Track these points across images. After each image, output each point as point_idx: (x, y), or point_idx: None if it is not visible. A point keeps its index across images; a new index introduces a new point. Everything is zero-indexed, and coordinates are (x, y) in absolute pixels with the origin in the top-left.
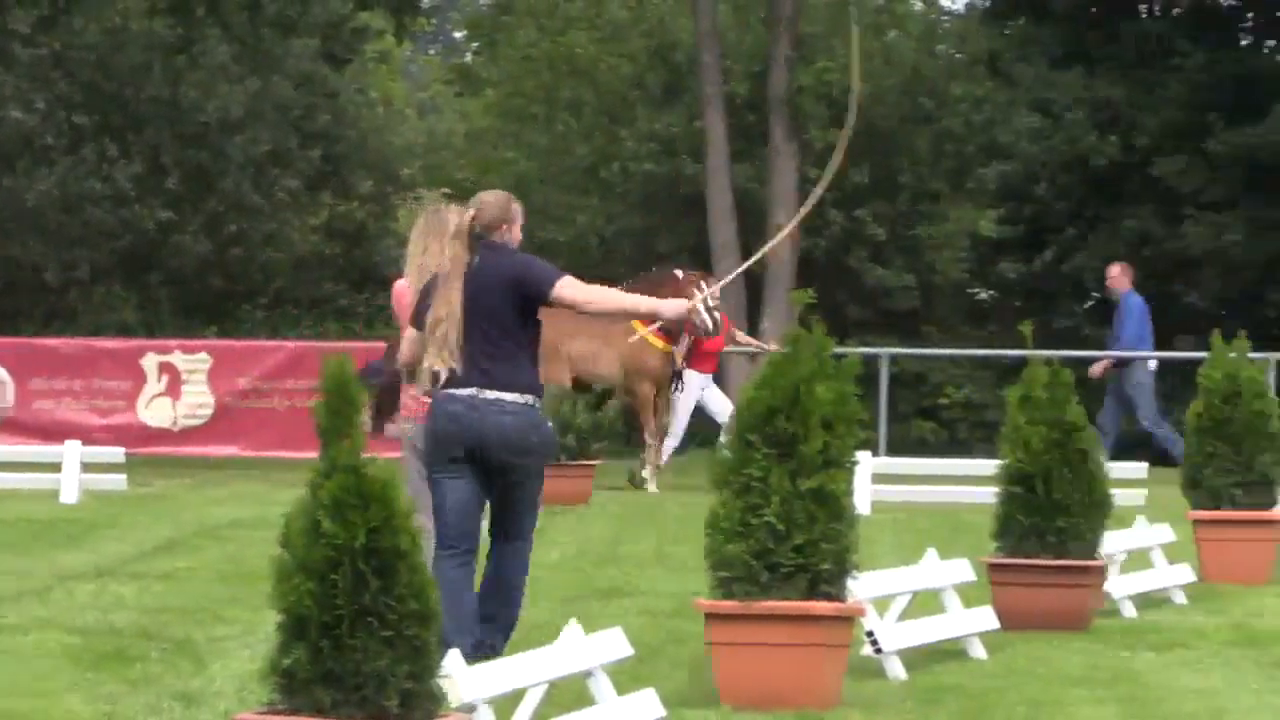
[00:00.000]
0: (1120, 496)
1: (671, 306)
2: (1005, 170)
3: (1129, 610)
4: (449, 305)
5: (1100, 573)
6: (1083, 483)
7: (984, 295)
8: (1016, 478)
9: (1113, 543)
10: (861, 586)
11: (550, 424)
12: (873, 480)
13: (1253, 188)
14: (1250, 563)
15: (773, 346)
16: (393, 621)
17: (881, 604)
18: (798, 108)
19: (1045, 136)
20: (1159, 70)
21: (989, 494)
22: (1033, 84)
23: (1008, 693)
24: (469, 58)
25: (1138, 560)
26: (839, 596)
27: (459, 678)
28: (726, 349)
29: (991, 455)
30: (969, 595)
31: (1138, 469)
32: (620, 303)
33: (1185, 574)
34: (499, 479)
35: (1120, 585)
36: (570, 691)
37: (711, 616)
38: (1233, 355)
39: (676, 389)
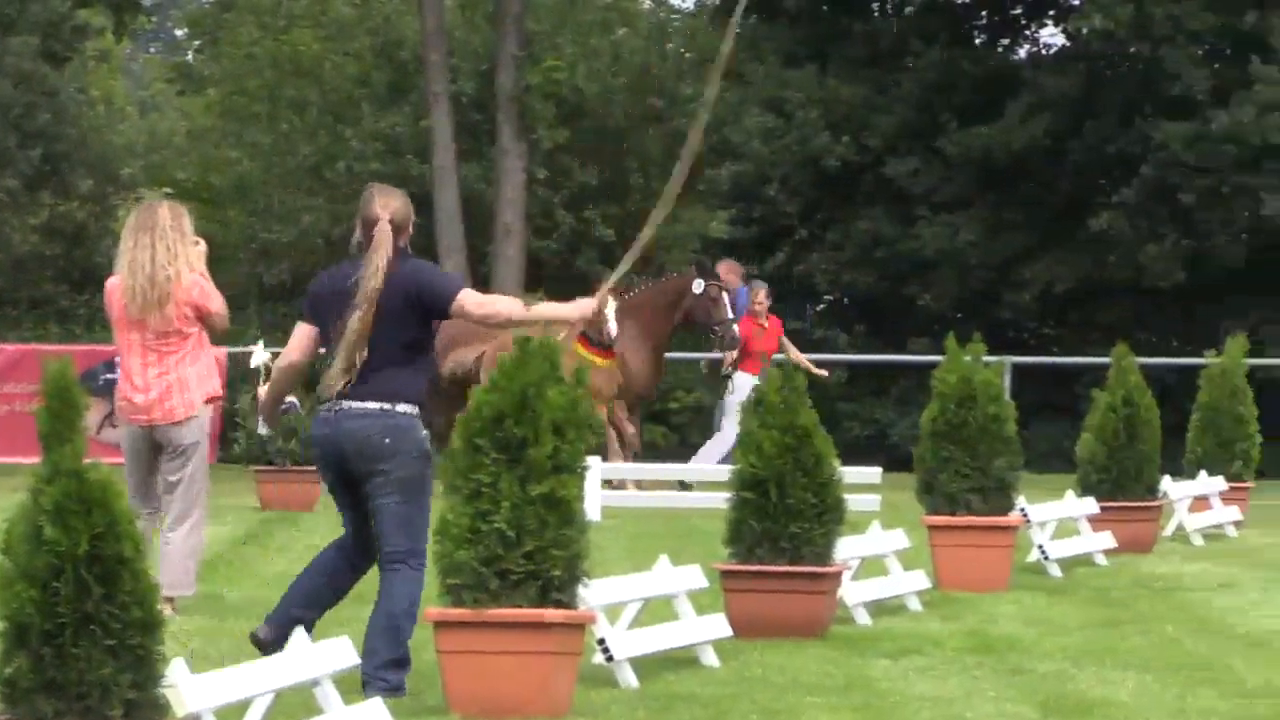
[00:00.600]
0: (855, 502)
1: (577, 309)
2: (737, 171)
3: (863, 617)
4: (365, 321)
5: (834, 579)
6: (816, 488)
7: None
8: (749, 483)
9: (847, 549)
10: (592, 593)
11: (424, 433)
12: (602, 485)
13: (987, 188)
14: (986, 569)
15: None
16: (116, 630)
17: (613, 611)
18: (525, 107)
19: (777, 136)
20: (892, 69)
21: (722, 499)
22: (764, 83)
23: (740, 700)
24: (190, 56)
25: (873, 566)
26: (570, 604)
27: (184, 687)
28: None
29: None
30: (702, 602)
31: (872, 473)
32: (522, 313)
33: (920, 580)
34: (364, 492)
35: (855, 592)
36: (297, 701)
37: (440, 625)
38: (968, 358)
39: (728, 391)
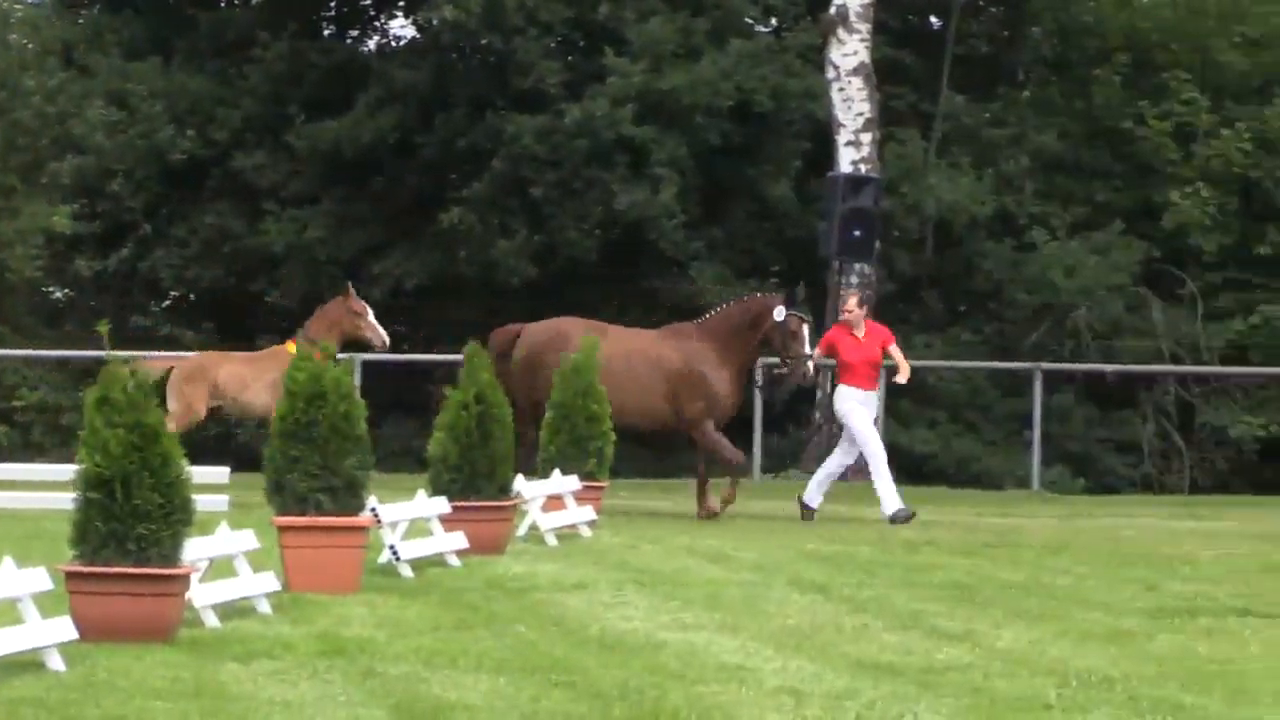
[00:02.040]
0: (203, 502)
1: None
2: (79, 164)
3: (212, 620)
4: None
5: (182, 581)
6: (164, 488)
7: (60, 294)
8: (94, 483)
9: (195, 550)
10: None
11: None
12: None
13: (335, 182)
14: (337, 570)
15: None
16: None
17: None
18: None
19: (121, 130)
20: (239, 61)
21: (68, 499)
22: (108, 75)
23: (86, 706)
24: None
25: (222, 568)
26: None
27: None
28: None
29: (69, 459)
30: (47, 605)
31: (220, 473)
32: None
33: (270, 582)
34: None
35: (203, 594)
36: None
37: None
38: (318, 356)
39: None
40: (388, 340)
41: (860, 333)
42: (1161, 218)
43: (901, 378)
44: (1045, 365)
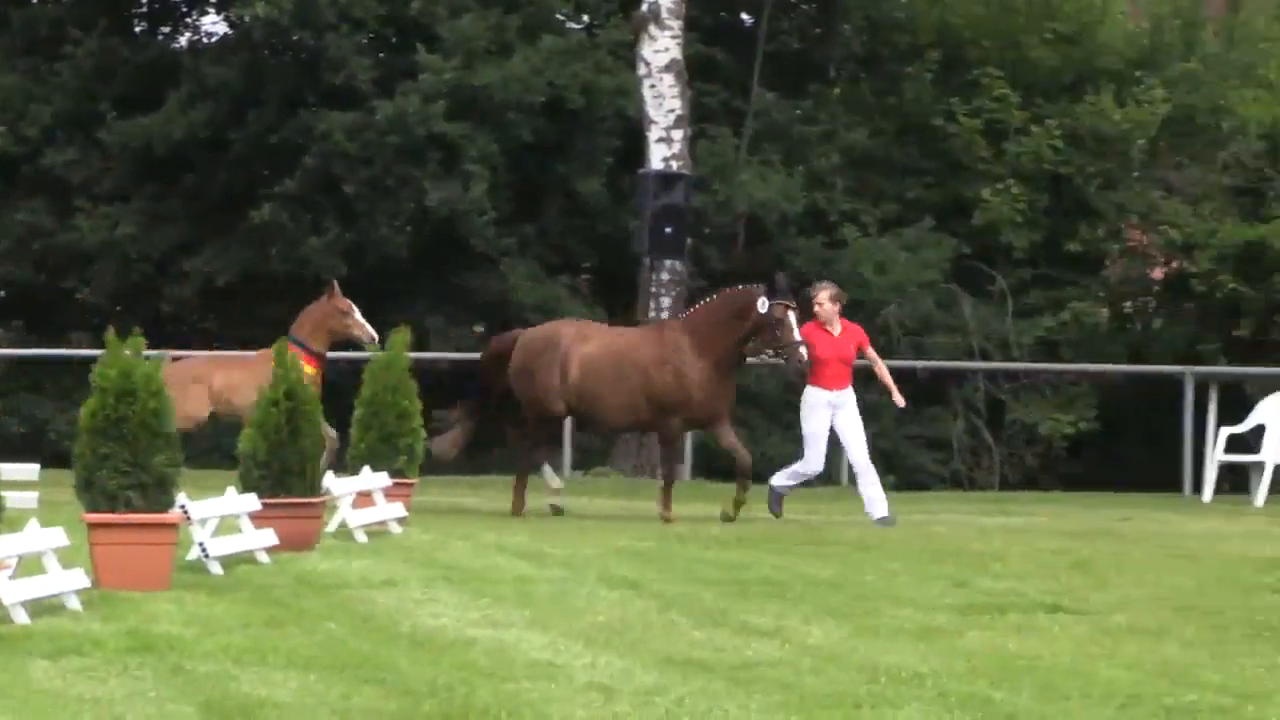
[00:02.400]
0: (13, 499)
1: None
2: None
3: (22, 617)
4: None
5: None
6: None
7: None
8: None
9: (4, 547)
10: None
11: None
12: None
13: (146, 179)
14: (147, 567)
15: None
16: None
17: None
18: None
19: None
20: (50, 58)
21: None
22: None
23: None
24: None
25: (31, 565)
26: None
27: None
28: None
29: None
30: None
31: (30, 470)
32: None
33: (80, 579)
34: None
35: (12, 591)
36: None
37: None
38: (127, 352)
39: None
40: (375, 336)
41: (835, 329)
42: (972, 215)
43: (898, 400)
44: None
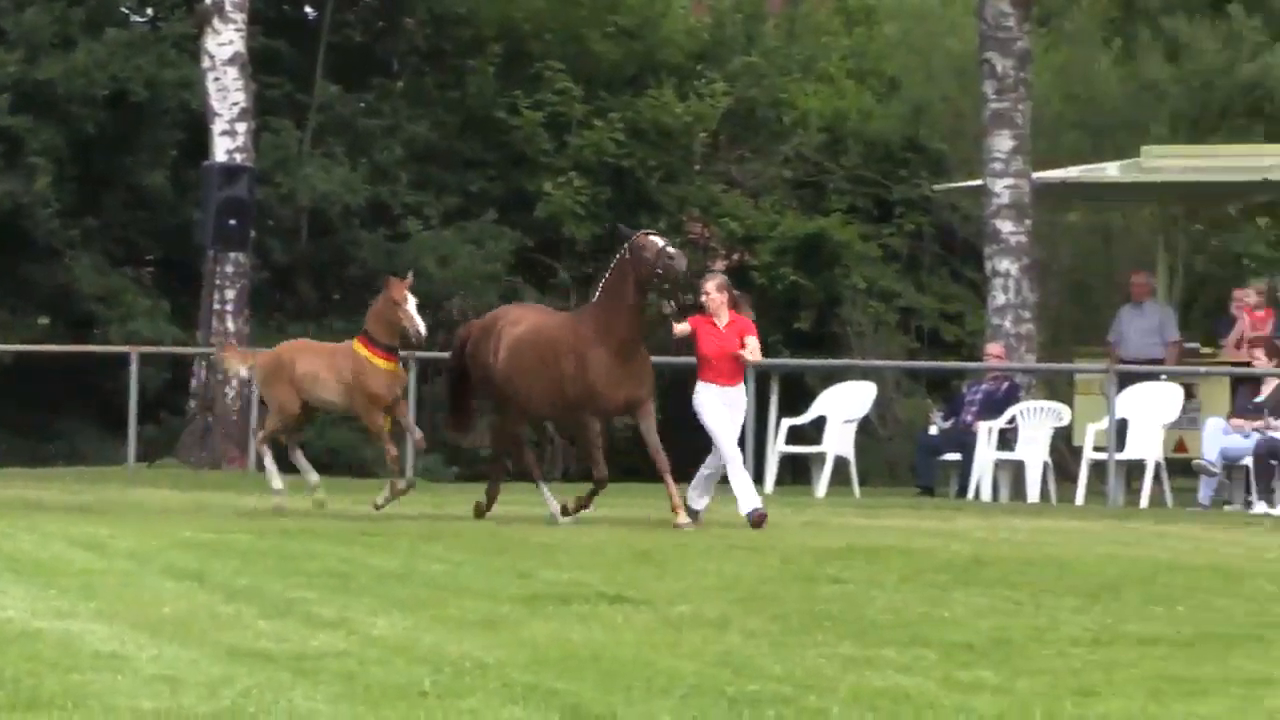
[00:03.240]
0: None
1: None
2: None
3: None
4: None
5: None
6: None
7: None
8: None
9: None
10: None
11: None
12: None
13: None
14: None
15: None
16: None
17: None
18: None
19: None
20: None
21: None
22: None
23: None
24: None
25: None
26: None
27: None
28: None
29: None
30: None
31: None
32: None
33: None
34: None
35: None
36: None
37: None
38: None
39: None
40: (422, 330)
41: (722, 322)
42: (535, 207)
43: (748, 355)
44: (419, 354)
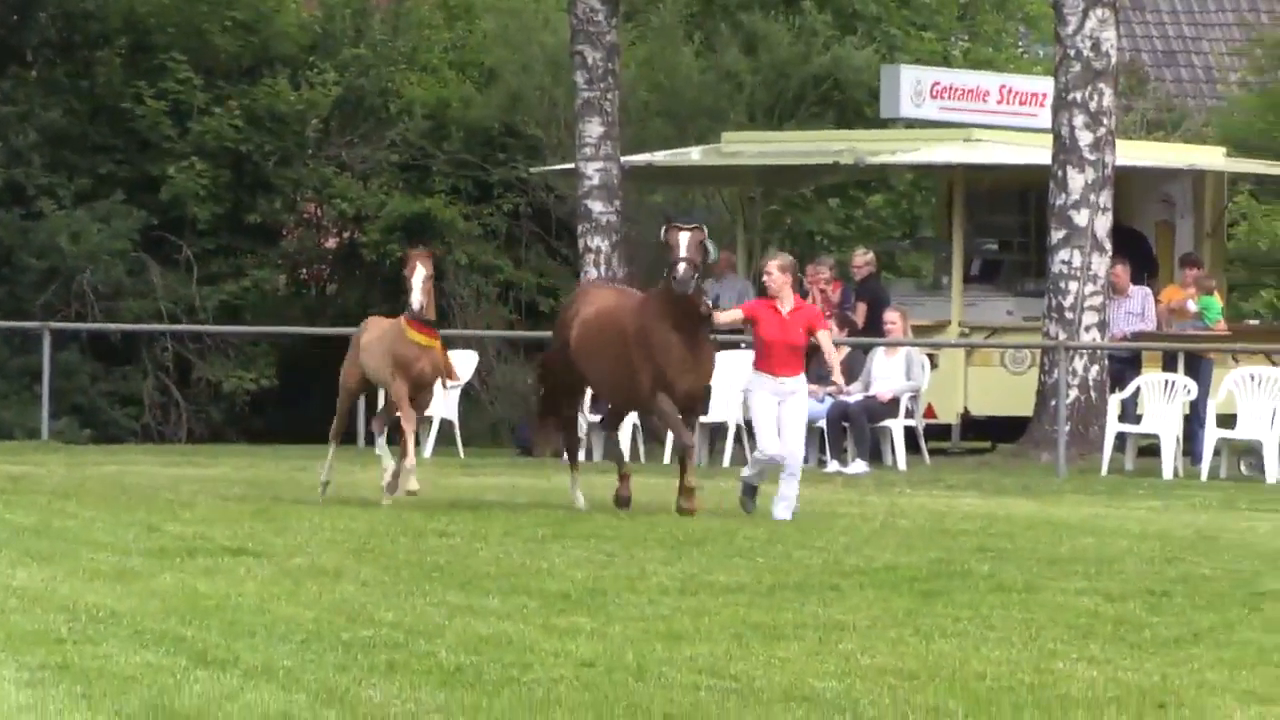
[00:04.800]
0: None
1: None
2: None
3: None
4: None
5: None
6: None
7: None
8: None
9: None
10: None
11: None
12: None
13: None
14: None
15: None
16: None
17: None
18: None
19: None
20: None
21: None
22: None
23: None
24: None
25: None
26: None
27: None
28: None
29: None
30: None
31: None
32: None
33: None
34: None
35: None
36: None
37: None
38: None
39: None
40: (415, 305)
41: (785, 307)
42: (160, 189)
43: (837, 378)
44: (54, 325)
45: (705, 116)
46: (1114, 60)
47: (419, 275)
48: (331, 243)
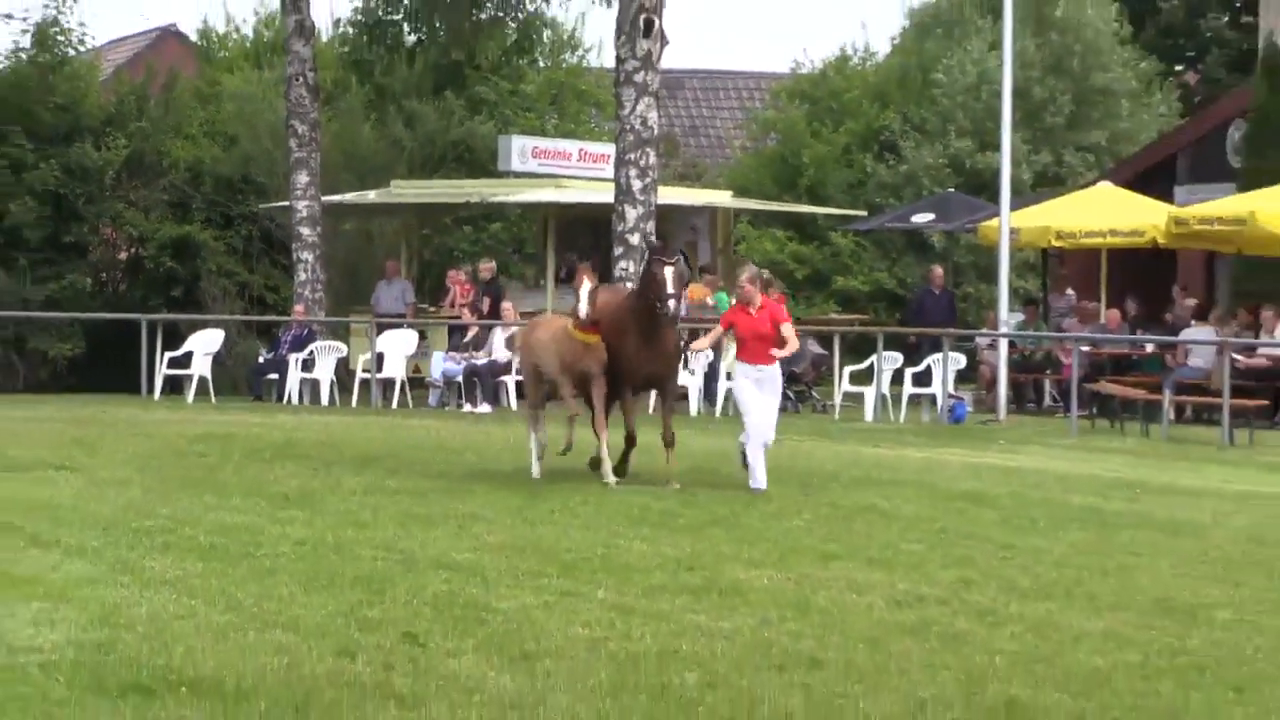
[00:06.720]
0: None
1: None
2: None
3: None
4: None
5: None
6: None
7: None
8: None
9: None
10: None
11: None
12: None
13: None
14: None
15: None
16: None
17: None
18: None
19: None
20: None
21: None
22: None
23: None
24: None
25: None
26: None
27: None
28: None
29: None
30: None
31: None
32: None
33: None
34: None
35: None
36: None
37: None
38: None
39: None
40: (583, 314)
41: (754, 308)
42: (3, 220)
43: (779, 351)
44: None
45: (379, 170)
46: (656, 132)
47: (585, 287)
48: (123, 255)
